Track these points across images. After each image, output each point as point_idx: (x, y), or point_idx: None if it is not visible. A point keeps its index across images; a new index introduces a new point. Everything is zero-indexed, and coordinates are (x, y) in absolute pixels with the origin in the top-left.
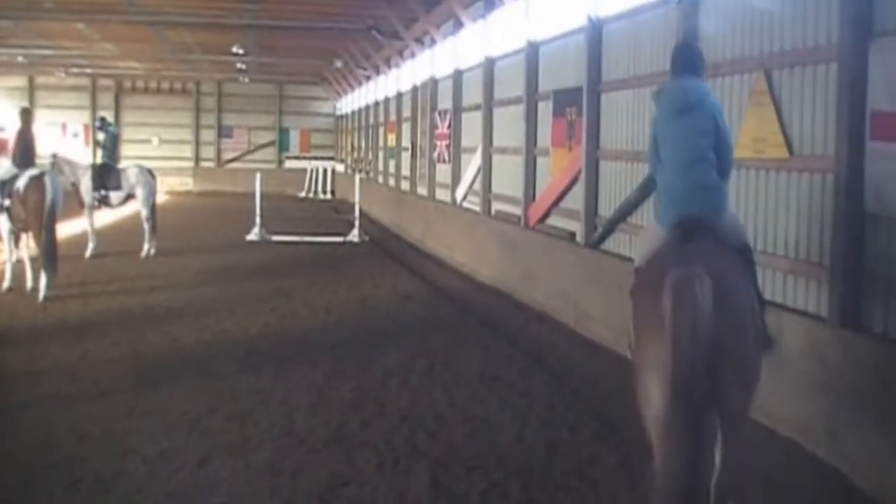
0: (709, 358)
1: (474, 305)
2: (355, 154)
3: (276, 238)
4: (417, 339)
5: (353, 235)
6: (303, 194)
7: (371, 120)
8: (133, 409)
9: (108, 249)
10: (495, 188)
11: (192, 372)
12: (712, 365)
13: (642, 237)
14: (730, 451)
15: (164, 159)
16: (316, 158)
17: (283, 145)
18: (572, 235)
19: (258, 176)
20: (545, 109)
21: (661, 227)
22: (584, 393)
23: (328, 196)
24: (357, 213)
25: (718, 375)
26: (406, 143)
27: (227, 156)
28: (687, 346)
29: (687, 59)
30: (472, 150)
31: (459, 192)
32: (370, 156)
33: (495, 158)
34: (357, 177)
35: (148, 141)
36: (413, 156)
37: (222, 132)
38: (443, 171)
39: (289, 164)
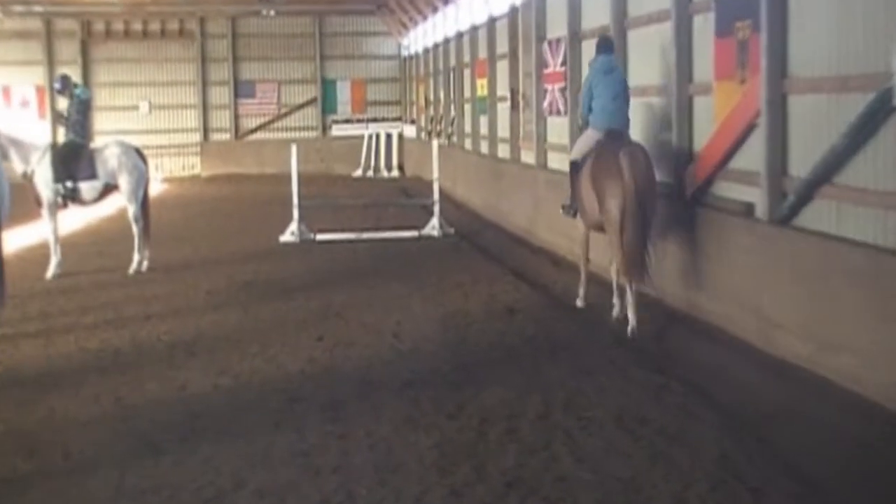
0: (644, 191)
1: (608, 318)
2: (431, 111)
3: (321, 237)
4: (528, 370)
5: (432, 227)
6: (358, 172)
7: (452, 61)
8: (122, 490)
9: (81, 266)
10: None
11: (209, 431)
12: (646, 194)
13: (579, 140)
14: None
15: (157, 133)
16: (375, 121)
17: (327, 105)
18: (749, 209)
19: (293, 150)
20: (703, 27)
21: (595, 132)
22: (771, 438)
23: (394, 173)
24: (436, 196)
25: (646, 199)
26: (502, 90)
27: (249, 124)
28: (640, 180)
29: (606, 44)
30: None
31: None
32: (452, 112)
33: (633, 103)
34: (435, 143)
35: (133, 108)
36: (513, 108)
37: (240, 90)
38: (557, 128)
39: (337, 130)
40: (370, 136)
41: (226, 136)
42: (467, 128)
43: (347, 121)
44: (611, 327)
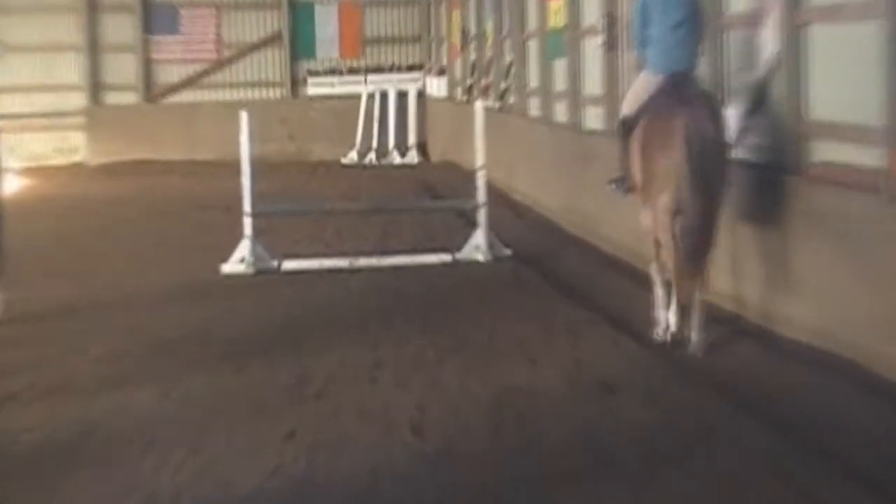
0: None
1: (774, 396)
2: (472, 54)
3: (290, 266)
4: (638, 489)
5: (475, 247)
6: (351, 157)
7: None
8: None
9: None
10: (819, 109)
11: None
12: (705, 160)
13: (632, 87)
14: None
15: (12, 92)
16: (378, 71)
17: (299, 45)
18: None
19: (244, 120)
20: None
21: (652, 75)
22: None
23: (411, 157)
24: (482, 195)
25: (708, 168)
26: (591, 16)
27: (169, 77)
28: (704, 154)
29: None
30: (744, 23)
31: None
32: (507, 56)
33: (813, 34)
34: (479, 107)
35: None
36: (610, 46)
37: (154, 22)
38: None
39: (315, 87)
40: (371, 97)
41: (129, 98)
42: (533, 81)
43: (333, 71)
44: (777, 413)
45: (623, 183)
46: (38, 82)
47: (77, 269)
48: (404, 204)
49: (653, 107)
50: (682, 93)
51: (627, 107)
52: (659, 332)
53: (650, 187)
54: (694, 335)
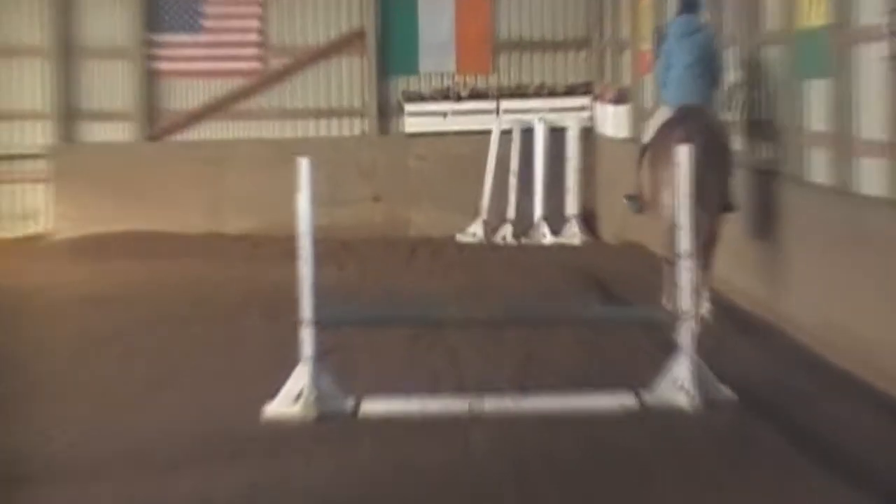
0: (699, 179)
1: None
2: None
3: (371, 408)
4: None
5: (676, 384)
6: (472, 232)
7: None
8: None
9: None
10: None
11: None
12: (702, 184)
13: (651, 120)
14: (709, 247)
15: None
16: (517, 95)
17: (393, 51)
18: None
19: (304, 169)
20: None
21: (667, 108)
22: None
23: (571, 234)
24: (685, 299)
25: (706, 196)
26: (867, 13)
27: (184, 102)
28: (698, 164)
29: (689, 1)
30: None
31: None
32: (731, 76)
33: None
34: (681, 155)
35: None
36: None
37: (163, 14)
38: None
39: (416, 121)
40: (506, 137)
41: (121, 133)
42: (773, 115)
43: (445, 96)
44: None
45: (636, 200)
46: None
47: (37, 415)
48: (560, 311)
49: (660, 131)
50: (684, 116)
51: (647, 136)
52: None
53: (656, 197)
54: (705, 307)
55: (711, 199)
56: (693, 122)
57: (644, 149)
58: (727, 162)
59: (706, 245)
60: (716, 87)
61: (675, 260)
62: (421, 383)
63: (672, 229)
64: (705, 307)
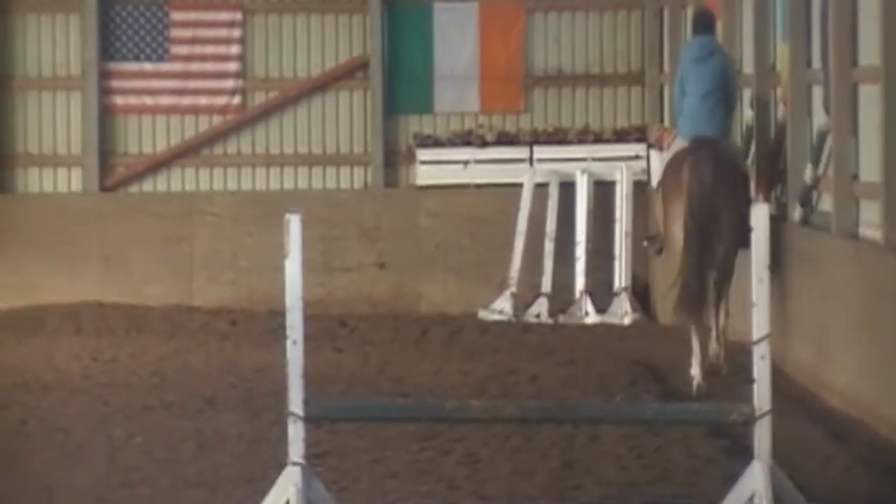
0: (709, 207)
1: None
2: (749, 111)
3: None
4: None
5: (749, 500)
6: (498, 308)
7: None
8: None
9: None
10: None
11: None
12: (712, 213)
13: (667, 153)
14: (721, 281)
15: None
16: (554, 141)
17: (402, 83)
18: None
19: (293, 228)
20: None
21: (682, 140)
22: None
23: (620, 311)
24: (762, 395)
25: (716, 226)
26: None
27: (145, 145)
28: (706, 193)
29: (703, 21)
30: None
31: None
32: (819, 121)
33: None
34: (760, 216)
35: None
36: None
37: (120, 37)
38: None
39: (430, 170)
40: (540, 192)
41: (67, 183)
42: (870, 168)
43: (466, 140)
44: None
45: (656, 241)
46: None
47: None
48: (605, 408)
49: (670, 163)
50: (697, 147)
51: (661, 172)
52: (695, 379)
53: (668, 232)
54: (720, 355)
55: (725, 230)
56: (704, 153)
57: (657, 186)
58: (743, 193)
59: (718, 281)
60: (731, 116)
61: (689, 312)
62: (433, 496)
63: (683, 272)
64: (713, 348)
